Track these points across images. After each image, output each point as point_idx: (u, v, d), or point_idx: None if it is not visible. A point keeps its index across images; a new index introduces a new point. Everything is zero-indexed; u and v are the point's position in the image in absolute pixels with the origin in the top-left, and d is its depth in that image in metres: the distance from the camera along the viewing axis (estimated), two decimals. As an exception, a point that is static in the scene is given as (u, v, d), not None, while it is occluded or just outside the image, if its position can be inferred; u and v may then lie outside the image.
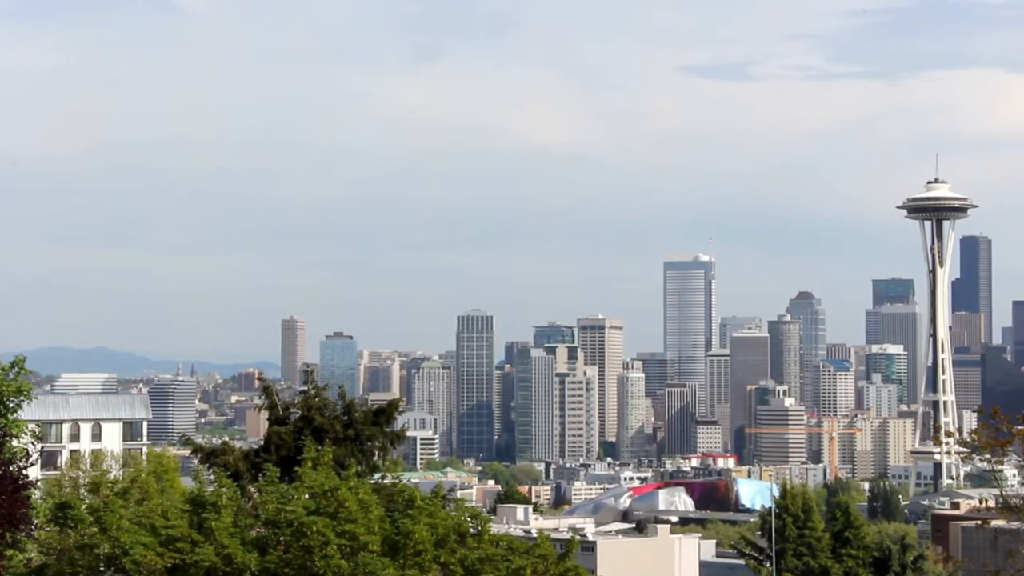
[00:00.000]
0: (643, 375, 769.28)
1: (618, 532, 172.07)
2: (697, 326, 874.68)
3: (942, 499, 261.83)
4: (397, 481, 44.94)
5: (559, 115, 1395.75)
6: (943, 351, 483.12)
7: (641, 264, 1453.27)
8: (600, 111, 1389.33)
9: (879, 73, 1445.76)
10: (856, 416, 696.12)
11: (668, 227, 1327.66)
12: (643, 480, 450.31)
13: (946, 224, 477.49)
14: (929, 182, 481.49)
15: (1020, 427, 42.50)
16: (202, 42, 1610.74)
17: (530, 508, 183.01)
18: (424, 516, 38.74)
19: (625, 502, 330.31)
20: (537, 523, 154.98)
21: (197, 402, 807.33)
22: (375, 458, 49.45)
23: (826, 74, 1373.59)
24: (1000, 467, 45.05)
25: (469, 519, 41.13)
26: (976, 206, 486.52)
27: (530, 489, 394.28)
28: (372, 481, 44.33)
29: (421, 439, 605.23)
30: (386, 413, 50.17)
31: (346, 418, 49.19)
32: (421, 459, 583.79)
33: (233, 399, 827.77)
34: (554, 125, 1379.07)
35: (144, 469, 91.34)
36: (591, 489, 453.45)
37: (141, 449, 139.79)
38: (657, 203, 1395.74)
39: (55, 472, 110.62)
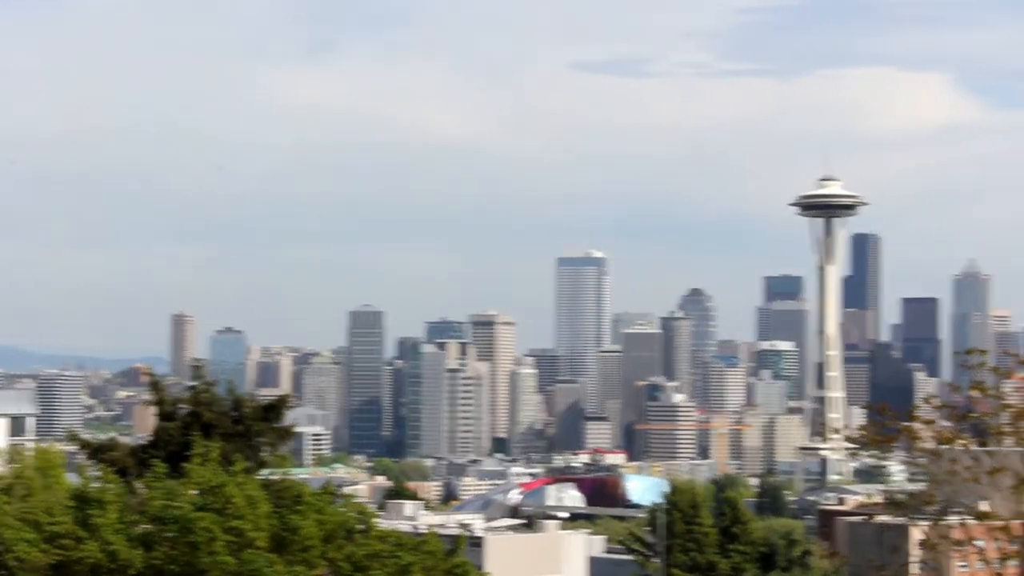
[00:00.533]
0: (534, 371, 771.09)
1: (507, 528, 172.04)
2: (589, 322, 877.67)
3: (829, 495, 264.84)
4: (286, 477, 44.55)
5: (454, 110, 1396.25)
6: (832, 348, 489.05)
7: (534, 260, 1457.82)
8: (494, 106, 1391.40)
9: (771, 71, 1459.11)
10: (745, 412, 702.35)
11: (561, 223, 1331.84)
12: (533, 476, 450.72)
13: (837, 221, 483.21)
14: (820, 180, 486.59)
15: (907, 424, 42.83)
16: (94, 33, 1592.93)
17: (419, 504, 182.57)
18: (312, 512, 38.44)
19: (514, 498, 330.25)
20: (426, 519, 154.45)
21: (84, 397, 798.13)
22: (264, 454, 49.02)
23: (719, 71, 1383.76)
24: (886, 463, 45.48)
25: (357, 515, 40.90)
26: (867, 203, 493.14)
27: (419, 485, 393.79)
28: (260, 477, 43.92)
29: (311, 435, 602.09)
30: (275, 409, 49.78)
31: (235, 414, 48.75)
32: (310, 455, 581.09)
33: (121, 395, 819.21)
34: (449, 119, 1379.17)
35: (29, 465, 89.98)
36: (481, 485, 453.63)
37: (26, 445, 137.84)
38: (550, 199, 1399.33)
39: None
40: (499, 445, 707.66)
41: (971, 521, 40.81)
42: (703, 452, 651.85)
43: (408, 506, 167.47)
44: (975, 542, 41.05)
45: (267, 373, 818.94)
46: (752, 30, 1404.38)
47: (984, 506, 41.54)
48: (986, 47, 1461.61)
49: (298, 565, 37.32)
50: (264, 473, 46.04)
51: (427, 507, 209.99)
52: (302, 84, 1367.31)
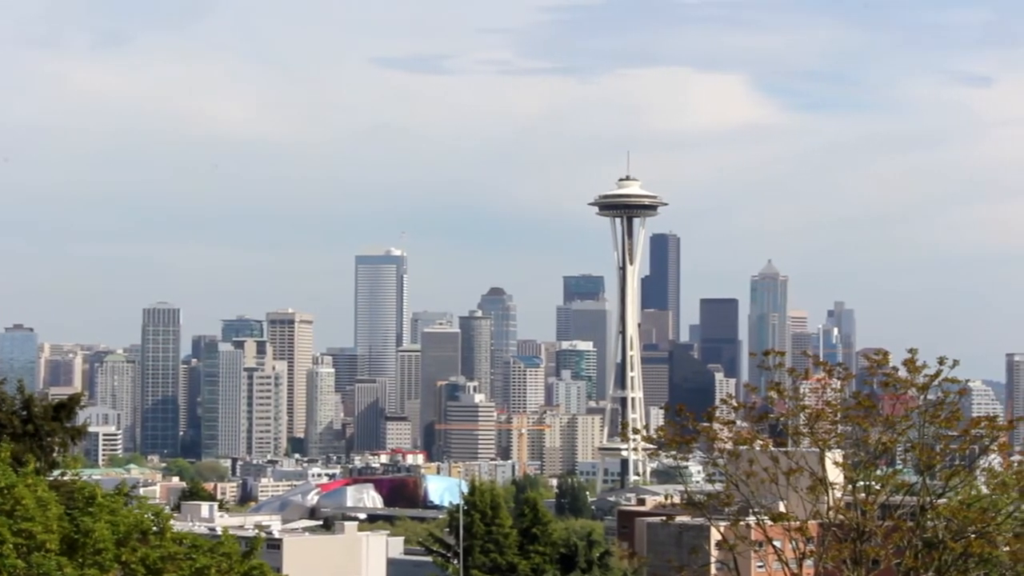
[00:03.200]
0: (333, 370, 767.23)
1: (305, 529, 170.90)
2: (388, 321, 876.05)
3: (629, 495, 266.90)
4: (77, 478, 43.32)
5: (251, 104, 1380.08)
6: (632, 348, 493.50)
7: (332, 258, 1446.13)
8: (294, 101, 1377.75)
9: (571, 69, 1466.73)
10: (545, 412, 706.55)
11: (360, 221, 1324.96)
12: (331, 477, 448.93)
13: (636, 221, 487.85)
14: (620, 179, 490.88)
15: (705, 424, 43.04)
16: None
17: (215, 505, 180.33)
18: (105, 514, 37.40)
19: (313, 499, 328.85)
20: (222, 520, 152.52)
21: None
22: (55, 454, 47.74)
23: (519, 69, 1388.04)
24: (685, 464, 45.58)
25: (152, 517, 39.94)
26: (666, 204, 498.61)
27: (216, 486, 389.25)
28: (51, 478, 42.66)
29: (103, 435, 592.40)
30: (67, 408, 48.55)
31: (25, 413, 47.45)
32: (103, 455, 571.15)
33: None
34: (247, 115, 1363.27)
35: None
36: (278, 486, 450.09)
37: None
38: (349, 196, 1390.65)
39: None
40: (297, 445, 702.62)
41: (768, 522, 41.11)
42: (503, 452, 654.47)
43: (204, 507, 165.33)
44: (773, 542, 41.37)
45: (58, 371, 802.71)
46: (552, 29, 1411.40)
47: (781, 507, 41.87)
48: (781, 49, 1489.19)
49: (90, 568, 36.27)
50: (55, 474, 44.76)
51: (223, 508, 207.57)
52: (98, 76, 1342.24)
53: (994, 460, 42.42)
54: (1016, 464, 41.79)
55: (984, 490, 41.43)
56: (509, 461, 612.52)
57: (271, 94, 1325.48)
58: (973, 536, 39.18)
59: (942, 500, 40.39)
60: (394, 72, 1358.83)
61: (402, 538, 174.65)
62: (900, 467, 43.01)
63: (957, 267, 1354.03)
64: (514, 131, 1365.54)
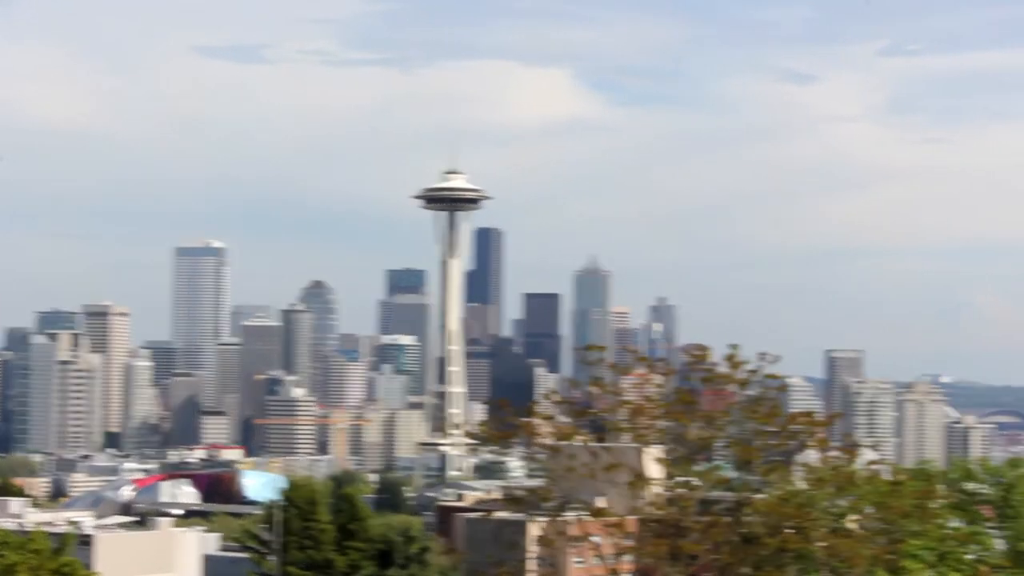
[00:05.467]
0: (150, 363, 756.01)
1: (118, 526, 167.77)
2: (207, 314, 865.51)
3: (448, 491, 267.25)
4: None
5: (68, 92, 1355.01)
6: (454, 343, 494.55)
7: (150, 249, 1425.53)
8: (111, 89, 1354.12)
9: (395, 61, 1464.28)
10: (366, 407, 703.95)
11: (179, 212, 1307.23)
12: (147, 472, 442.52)
13: (460, 215, 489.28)
14: (444, 173, 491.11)
15: (527, 419, 42.74)
16: None
17: (26, 501, 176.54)
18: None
19: (127, 495, 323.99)
20: (33, 517, 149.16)
21: None
22: None
23: (342, 60, 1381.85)
24: (506, 459, 45.35)
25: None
26: (490, 198, 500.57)
27: (27, 481, 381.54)
28: None
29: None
30: None
31: None
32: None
33: None
34: (63, 103, 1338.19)
35: None
36: (92, 481, 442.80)
37: None
38: (169, 187, 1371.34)
39: None
40: (112, 440, 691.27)
41: (588, 517, 40.95)
42: (322, 447, 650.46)
43: (14, 503, 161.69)
44: (591, 538, 41.21)
45: None
46: (376, 19, 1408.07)
47: (601, 502, 41.74)
48: (605, 43, 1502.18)
49: None
50: None
51: (34, 504, 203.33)
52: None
53: (812, 456, 42.71)
54: (833, 460, 42.10)
55: (801, 486, 41.67)
56: (328, 456, 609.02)
57: (87, 83, 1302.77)
58: (790, 531, 39.35)
59: (760, 496, 40.52)
60: (214, 61, 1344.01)
61: (218, 534, 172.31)
62: (719, 462, 43.09)
63: (778, 263, 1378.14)
64: (337, 123, 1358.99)
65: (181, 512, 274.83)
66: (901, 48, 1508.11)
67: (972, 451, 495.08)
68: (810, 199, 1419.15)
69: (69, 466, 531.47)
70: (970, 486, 62.36)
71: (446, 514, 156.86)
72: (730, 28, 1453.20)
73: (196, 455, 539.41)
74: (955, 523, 53.24)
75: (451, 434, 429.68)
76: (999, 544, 58.51)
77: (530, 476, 43.70)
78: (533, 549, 45.00)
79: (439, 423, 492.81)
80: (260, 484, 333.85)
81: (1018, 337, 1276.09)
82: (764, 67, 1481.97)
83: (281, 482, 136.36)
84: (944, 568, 35.56)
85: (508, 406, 42.96)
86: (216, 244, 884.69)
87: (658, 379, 42.30)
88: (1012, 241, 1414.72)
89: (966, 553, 44.96)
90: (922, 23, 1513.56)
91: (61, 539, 42.21)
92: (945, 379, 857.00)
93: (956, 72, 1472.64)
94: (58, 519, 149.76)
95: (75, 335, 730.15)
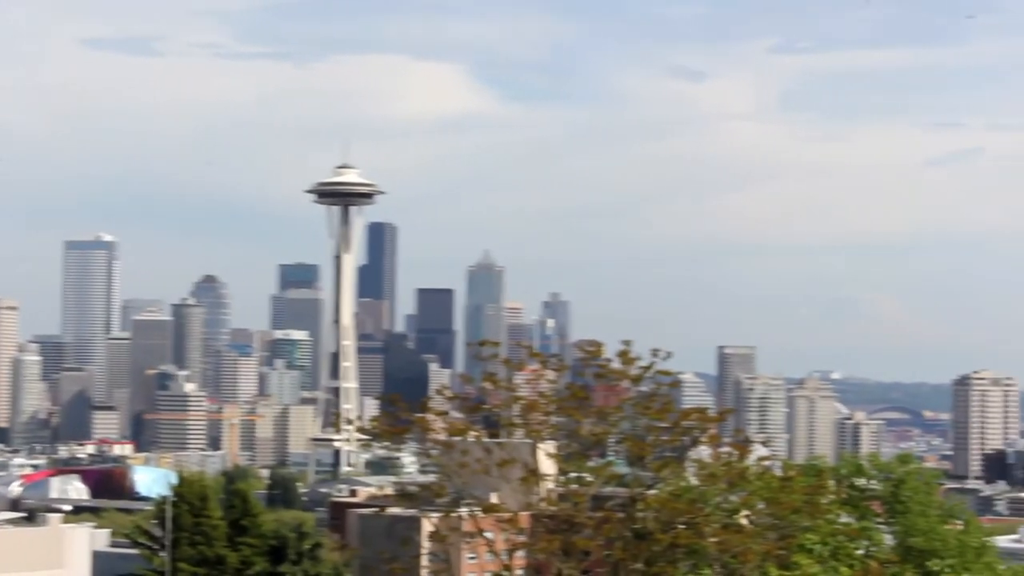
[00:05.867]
0: (39, 358, 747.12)
1: (5, 521, 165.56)
2: (97, 308, 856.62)
3: (341, 487, 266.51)
4: None
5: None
6: (347, 338, 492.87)
7: (39, 243, 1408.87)
8: None
9: (288, 54, 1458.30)
10: (257, 402, 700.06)
11: (69, 205, 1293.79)
12: (35, 467, 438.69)
13: (353, 210, 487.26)
14: (337, 167, 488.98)
15: (420, 415, 42.59)
16: None
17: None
18: None
19: (15, 490, 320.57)
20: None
21: None
22: None
23: (234, 53, 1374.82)
24: (399, 455, 45.13)
25: None
26: (384, 192, 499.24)
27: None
28: None
29: None
30: None
31: None
32: None
33: None
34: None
35: None
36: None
37: None
38: (58, 180, 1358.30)
39: None
40: (0, 435, 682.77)
41: (480, 513, 40.88)
42: (214, 443, 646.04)
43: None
44: (484, 534, 41.15)
45: None
46: (268, 13, 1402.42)
47: (494, 498, 41.66)
48: (500, 39, 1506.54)
49: None
50: None
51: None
52: None
53: (704, 452, 42.88)
54: (725, 456, 42.29)
55: (693, 482, 41.83)
56: (220, 452, 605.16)
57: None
58: (682, 527, 39.48)
59: (652, 491, 40.62)
60: (104, 53, 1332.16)
61: (108, 530, 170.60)
62: (612, 458, 43.17)
63: (672, 259, 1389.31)
64: (230, 116, 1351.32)
65: (70, 508, 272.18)
66: (791, 46, 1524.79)
67: (862, 447, 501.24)
68: (703, 196, 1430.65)
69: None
70: (860, 482, 62.98)
71: (339, 510, 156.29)
72: (624, 24, 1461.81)
73: (86, 450, 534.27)
74: (845, 519, 53.74)
75: (344, 430, 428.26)
76: (888, 540, 59.16)
77: (423, 472, 43.57)
78: (426, 545, 44.86)
79: (332, 419, 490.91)
80: (151, 480, 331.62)
81: (907, 334, 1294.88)
82: (658, 63, 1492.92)
83: (172, 478, 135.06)
84: (835, 563, 35.86)
85: (401, 402, 42.74)
86: (107, 238, 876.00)
87: (551, 375, 42.28)
88: (901, 238, 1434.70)
89: (856, 548, 45.40)
90: (812, 22, 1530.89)
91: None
92: (836, 376, 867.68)
93: (845, 70, 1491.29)
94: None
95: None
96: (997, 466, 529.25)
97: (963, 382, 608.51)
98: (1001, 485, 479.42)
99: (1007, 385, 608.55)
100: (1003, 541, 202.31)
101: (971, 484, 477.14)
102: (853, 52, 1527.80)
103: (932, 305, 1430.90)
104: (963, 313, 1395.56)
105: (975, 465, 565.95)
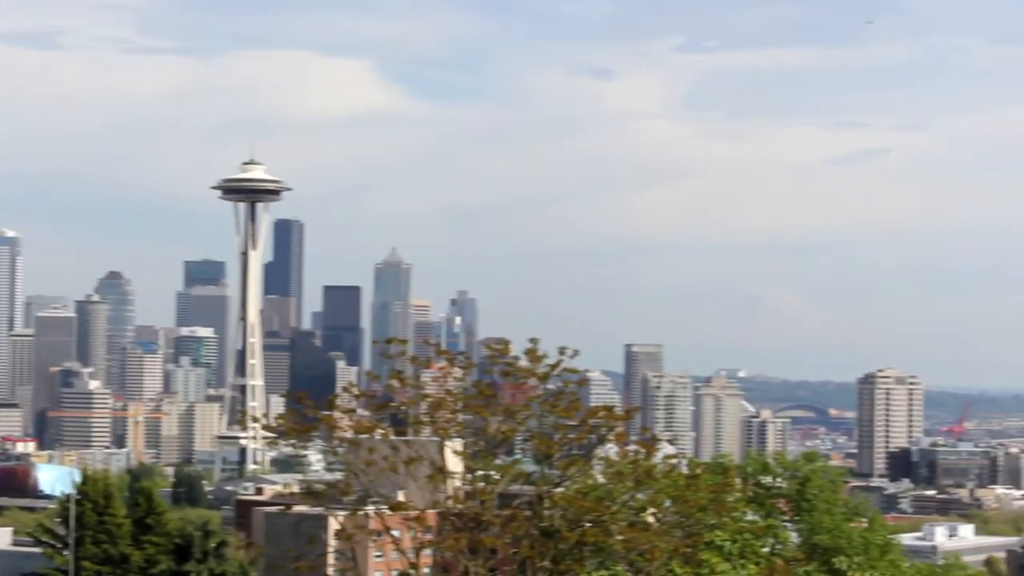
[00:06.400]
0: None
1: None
2: (0, 305, 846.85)
3: (247, 485, 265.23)
4: None
5: None
6: (253, 335, 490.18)
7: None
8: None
9: (194, 49, 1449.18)
10: (163, 400, 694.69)
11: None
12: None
13: (260, 206, 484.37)
14: (244, 163, 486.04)
15: (326, 412, 42.37)
16: None
17: None
18: None
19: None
20: None
21: None
22: None
23: (139, 47, 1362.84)
24: (305, 453, 44.87)
25: None
26: (291, 189, 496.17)
27: None
28: None
29: None
30: None
31: None
32: None
33: None
34: None
35: None
36: None
37: None
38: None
39: None
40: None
41: (387, 511, 40.73)
42: (119, 441, 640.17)
43: None
44: (391, 532, 41.00)
45: None
46: (174, 7, 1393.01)
47: (401, 496, 41.52)
48: (407, 35, 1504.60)
49: None
50: None
51: None
52: None
53: (611, 450, 42.94)
54: (632, 454, 42.34)
55: (600, 480, 41.86)
56: (124, 450, 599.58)
57: None
58: (588, 525, 39.50)
59: (559, 489, 40.62)
60: (6, 47, 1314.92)
61: (10, 529, 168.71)
62: (519, 456, 43.13)
63: (579, 257, 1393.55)
64: (134, 111, 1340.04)
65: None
66: (698, 45, 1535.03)
67: (768, 445, 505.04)
68: (611, 193, 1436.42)
69: None
70: (766, 480, 63.36)
71: (245, 508, 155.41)
72: (533, 22, 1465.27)
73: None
74: (751, 516, 54.03)
75: (250, 427, 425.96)
76: (794, 537, 59.56)
77: (329, 470, 43.30)
78: (332, 543, 44.65)
79: (237, 416, 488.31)
80: (54, 478, 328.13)
81: (813, 333, 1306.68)
82: (566, 62, 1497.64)
83: (76, 476, 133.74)
84: (743, 561, 36.00)
85: (307, 399, 42.50)
86: (9, 233, 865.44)
87: (458, 373, 42.19)
88: (807, 237, 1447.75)
89: (762, 546, 45.63)
90: (719, 20, 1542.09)
91: None
92: (742, 374, 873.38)
93: (752, 69, 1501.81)
94: None
95: None
96: (901, 464, 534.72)
97: (868, 381, 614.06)
98: (905, 483, 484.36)
99: (912, 384, 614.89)
100: (907, 539, 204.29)
101: (876, 482, 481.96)
102: (760, 51, 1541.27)
103: (838, 304, 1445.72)
104: (869, 312, 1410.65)
105: (880, 463, 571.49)
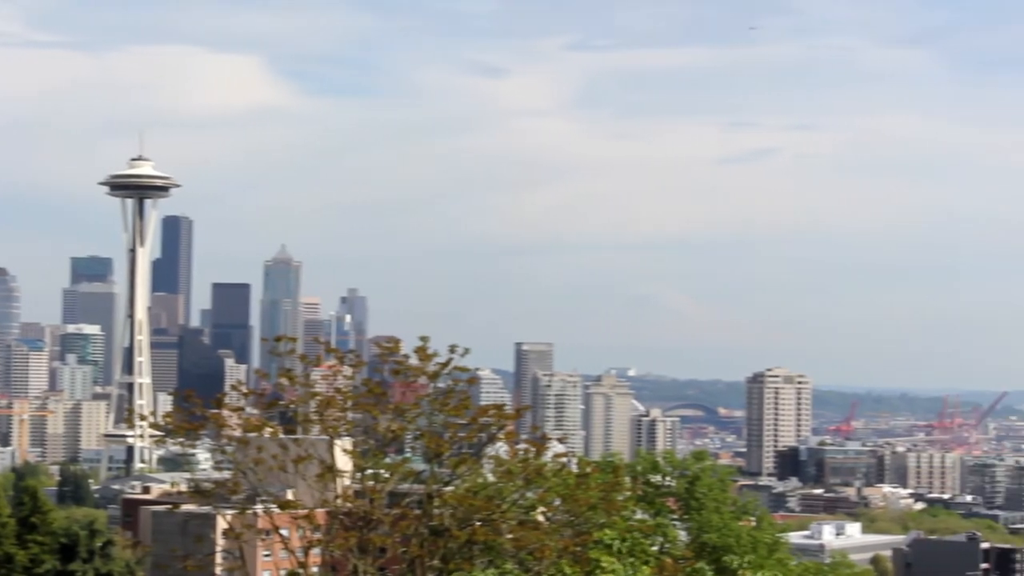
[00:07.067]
0: None
1: None
2: None
3: (134, 483, 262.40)
4: None
5: None
6: (141, 332, 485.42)
7: None
8: None
9: (82, 44, 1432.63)
10: (48, 398, 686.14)
11: None
12: None
13: (148, 203, 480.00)
14: (132, 159, 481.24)
15: (215, 411, 42.05)
16: None
17: None
18: None
19: None
20: None
21: None
22: None
23: (27, 41, 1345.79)
24: (193, 451, 44.48)
25: None
26: (179, 186, 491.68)
27: None
28: None
29: None
30: None
31: None
32: None
33: None
34: None
35: None
36: None
37: None
38: None
39: None
40: None
41: (276, 510, 40.49)
42: (3, 439, 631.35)
43: None
44: (280, 531, 40.77)
45: None
46: (63, 1, 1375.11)
47: (290, 495, 41.29)
48: (297, 31, 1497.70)
49: None
50: None
51: None
52: None
53: (501, 448, 42.95)
54: (522, 453, 42.38)
55: (490, 478, 41.85)
56: (9, 448, 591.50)
57: None
58: (478, 524, 39.47)
59: (449, 488, 40.56)
60: None
61: None
62: (409, 455, 43.04)
63: (469, 256, 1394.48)
64: (21, 105, 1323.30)
65: None
66: (589, 43, 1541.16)
67: (658, 444, 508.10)
68: (502, 192, 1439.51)
69: None
70: (656, 479, 63.64)
71: (131, 507, 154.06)
72: (424, 19, 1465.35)
73: None
74: (641, 515, 54.23)
75: (137, 426, 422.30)
76: (683, 536, 59.88)
77: (218, 468, 42.92)
78: (220, 542, 44.32)
79: (124, 415, 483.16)
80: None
81: (703, 332, 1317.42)
82: (457, 59, 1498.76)
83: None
84: (633, 560, 36.08)
85: (195, 397, 42.19)
86: None
87: (348, 371, 42.05)
88: (698, 237, 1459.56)
89: (652, 545, 45.79)
90: (610, 19, 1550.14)
91: None
92: (632, 373, 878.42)
93: (643, 68, 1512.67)
94: None
95: None
96: (790, 463, 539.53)
97: (757, 380, 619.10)
98: (793, 482, 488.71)
99: (800, 383, 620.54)
100: (795, 537, 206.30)
101: (764, 481, 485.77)
102: (651, 50, 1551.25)
103: (728, 303, 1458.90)
104: (758, 311, 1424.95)
105: (768, 462, 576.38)
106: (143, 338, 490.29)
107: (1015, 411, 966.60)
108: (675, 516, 61.15)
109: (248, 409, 42.27)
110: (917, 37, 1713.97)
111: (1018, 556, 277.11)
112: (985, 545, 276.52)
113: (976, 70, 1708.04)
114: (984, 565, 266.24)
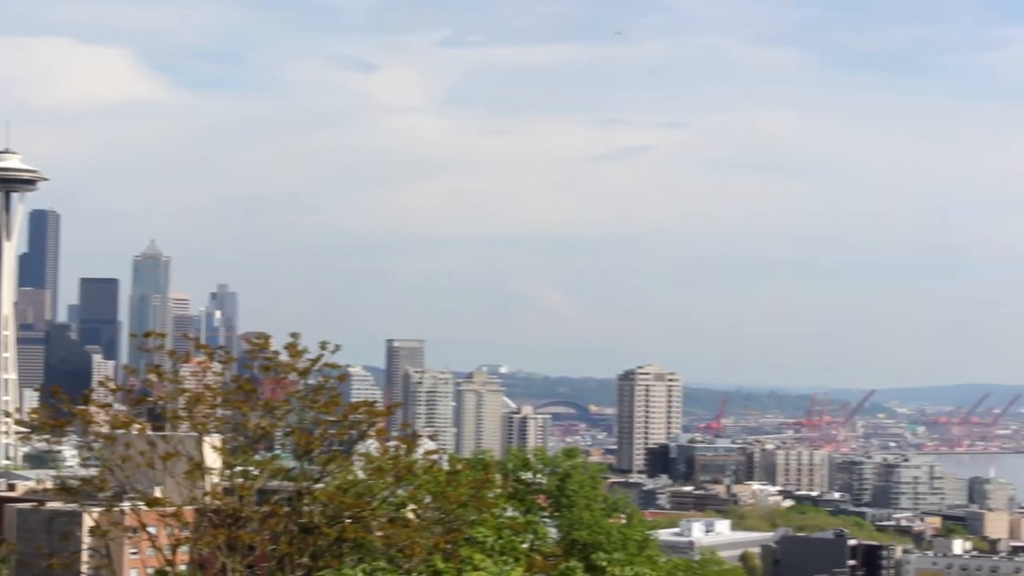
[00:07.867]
0: None
1: None
2: None
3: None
4: None
5: None
6: (7, 328, 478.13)
7: None
8: None
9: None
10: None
11: None
12: None
13: (15, 196, 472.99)
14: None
15: (82, 407, 41.55)
16: None
17: None
18: None
19: None
20: None
21: None
22: None
23: None
24: (59, 448, 43.98)
25: None
26: (47, 179, 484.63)
27: None
28: None
29: None
30: None
31: None
32: None
33: None
34: None
35: None
36: None
37: None
38: None
39: None
40: None
41: (144, 507, 40.11)
42: None
43: None
44: (147, 528, 40.40)
45: None
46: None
47: (158, 492, 40.91)
48: (167, 24, 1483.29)
49: None
50: None
51: None
52: None
53: (371, 445, 42.87)
54: (392, 450, 42.34)
55: (361, 476, 41.77)
56: None
57: None
58: (348, 521, 39.38)
59: (319, 485, 40.43)
60: None
61: None
62: (279, 452, 42.82)
63: (340, 252, 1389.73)
64: None
65: None
66: (461, 39, 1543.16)
67: (529, 441, 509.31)
68: (373, 188, 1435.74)
69: None
70: (526, 476, 63.80)
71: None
72: (296, 13, 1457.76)
73: None
74: (512, 512, 54.33)
75: (2, 422, 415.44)
76: (553, 533, 60.08)
77: (84, 465, 42.44)
78: (87, 540, 43.82)
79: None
80: None
81: (574, 329, 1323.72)
82: (329, 54, 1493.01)
83: None
84: (504, 558, 36.17)
85: (62, 393, 41.64)
86: None
87: (217, 367, 41.75)
88: (569, 234, 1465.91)
89: (522, 542, 45.94)
90: (482, 15, 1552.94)
91: None
92: (504, 370, 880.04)
93: (515, 65, 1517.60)
94: None
95: None
96: (660, 460, 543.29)
97: (628, 377, 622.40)
98: (663, 479, 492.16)
99: (671, 380, 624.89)
100: (665, 534, 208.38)
101: (635, 478, 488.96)
102: (524, 47, 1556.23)
103: (599, 300, 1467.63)
104: (629, 309, 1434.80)
105: (639, 459, 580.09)
106: (9, 333, 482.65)
107: (882, 409, 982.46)
108: (546, 513, 61.34)
109: (116, 405, 41.84)
110: (788, 36, 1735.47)
111: (884, 553, 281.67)
112: (852, 542, 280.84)
113: (846, 68, 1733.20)
114: (851, 562, 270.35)
